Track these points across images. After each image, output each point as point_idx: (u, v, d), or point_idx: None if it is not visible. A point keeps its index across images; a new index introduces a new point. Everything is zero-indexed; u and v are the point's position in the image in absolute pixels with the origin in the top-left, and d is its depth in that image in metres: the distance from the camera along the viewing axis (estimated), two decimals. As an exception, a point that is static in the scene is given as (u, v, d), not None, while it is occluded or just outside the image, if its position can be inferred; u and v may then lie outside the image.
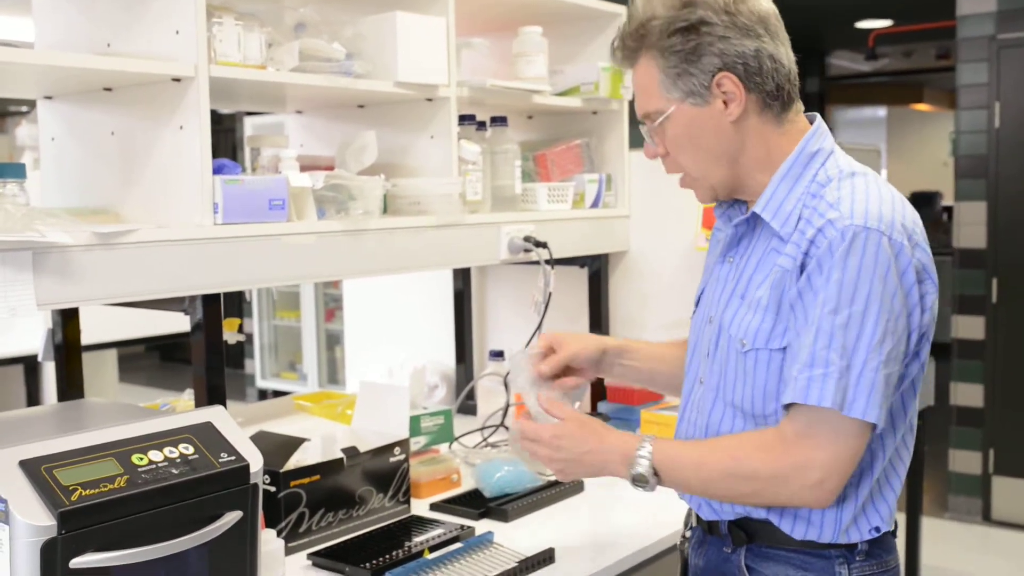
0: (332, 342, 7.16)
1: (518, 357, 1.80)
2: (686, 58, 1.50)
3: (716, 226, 1.72)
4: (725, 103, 1.51)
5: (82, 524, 1.28)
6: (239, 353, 7.99)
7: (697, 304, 1.72)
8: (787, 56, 1.53)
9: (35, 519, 1.25)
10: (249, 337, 7.63)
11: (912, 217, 1.50)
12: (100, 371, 5.06)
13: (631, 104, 2.82)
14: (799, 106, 1.58)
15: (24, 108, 7.91)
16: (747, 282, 1.55)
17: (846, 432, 1.42)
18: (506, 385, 2.68)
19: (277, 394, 6.97)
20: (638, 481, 1.54)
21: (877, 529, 1.54)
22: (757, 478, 1.47)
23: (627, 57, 1.59)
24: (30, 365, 4.57)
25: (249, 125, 6.95)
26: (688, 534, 1.72)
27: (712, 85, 1.50)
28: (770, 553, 1.55)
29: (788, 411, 1.46)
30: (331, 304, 7.17)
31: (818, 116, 1.60)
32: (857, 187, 1.48)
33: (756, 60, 1.49)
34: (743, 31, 1.49)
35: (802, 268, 1.45)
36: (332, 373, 7.21)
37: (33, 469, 1.30)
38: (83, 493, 1.29)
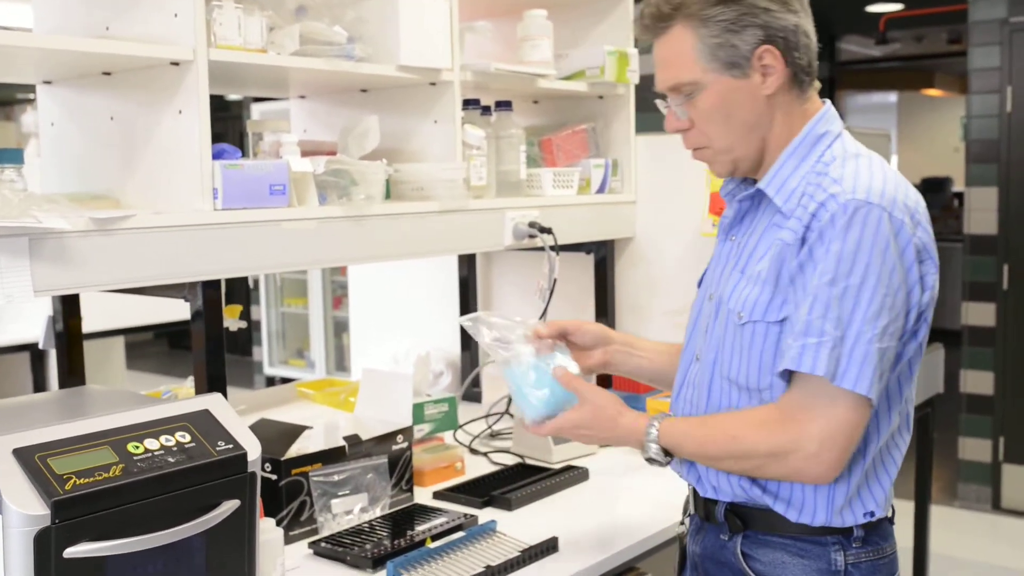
0: (340, 329, 7.15)
1: (514, 327, 1.74)
2: (728, 28, 1.50)
3: (725, 212, 1.73)
4: (763, 76, 1.51)
5: (76, 513, 1.26)
6: (247, 340, 7.99)
7: (699, 285, 1.73)
8: (814, 33, 1.55)
9: (28, 508, 1.23)
10: (257, 324, 7.63)
11: (915, 198, 1.50)
12: (108, 358, 5.06)
13: (638, 88, 2.80)
14: (817, 84, 1.59)
15: (32, 96, 7.91)
16: (748, 257, 1.56)
17: (841, 404, 1.43)
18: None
19: (285, 381, 6.97)
20: (651, 462, 1.60)
21: (872, 514, 1.53)
22: (756, 455, 1.48)
23: (658, 25, 1.55)
24: (37, 352, 4.57)
25: (256, 111, 6.94)
26: (686, 522, 1.72)
27: (753, 57, 1.50)
28: (767, 540, 1.55)
29: (787, 385, 1.47)
30: (338, 291, 7.16)
31: (828, 101, 1.61)
32: (861, 166, 1.49)
33: (795, 35, 1.50)
34: (784, 5, 1.50)
35: (803, 241, 1.47)
36: (340, 360, 7.20)
37: (27, 458, 1.28)
38: (77, 482, 1.28)
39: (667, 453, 1.59)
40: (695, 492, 1.65)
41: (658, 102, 1.61)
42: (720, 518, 1.59)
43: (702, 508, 1.63)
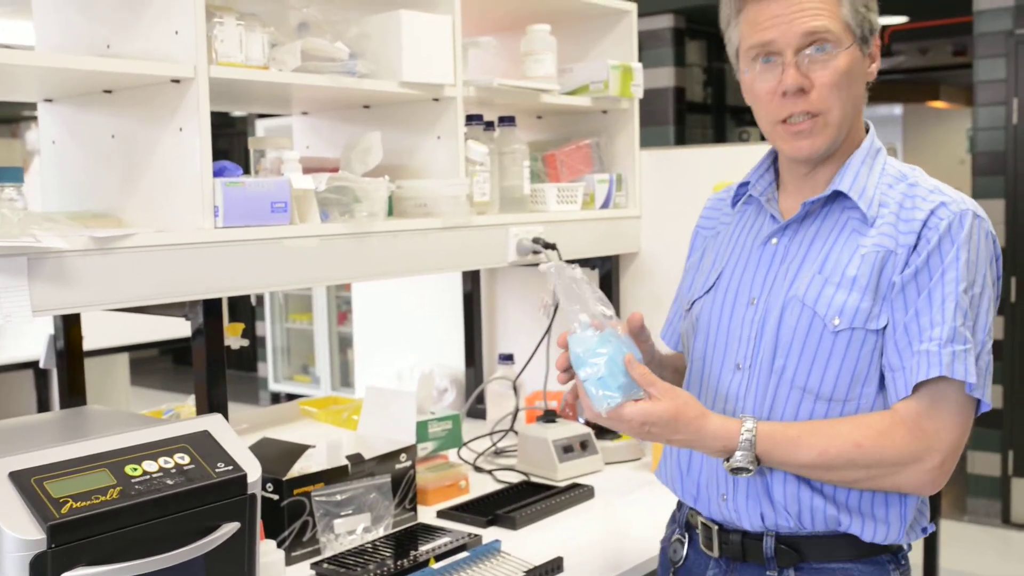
0: (344, 345, 7.14)
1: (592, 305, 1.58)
2: (867, 4, 1.51)
3: (708, 216, 1.77)
4: (871, 61, 1.54)
5: (73, 538, 1.25)
6: (252, 356, 7.97)
7: (710, 289, 1.62)
8: None
9: (24, 533, 1.21)
10: (261, 340, 7.62)
11: None
12: (111, 375, 5.05)
13: (642, 103, 2.79)
14: None
15: (37, 113, 7.90)
16: (823, 261, 1.50)
17: (966, 413, 1.44)
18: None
19: (290, 397, 6.96)
20: (737, 472, 1.45)
21: (925, 529, 1.53)
22: (880, 465, 1.43)
23: None
24: (40, 370, 4.56)
25: (260, 127, 6.94)
26: (679, 564, 1.64)
27: (873, 39, 1.52)
28: (824, 568, 1.50)
29: (912, 392, 1.42)
30: (343, 307, 7.15)
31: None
32: (938, 181, 1.54)
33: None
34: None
35: (914, 248, 1.45)
36: (345, 376, 7.19)
37: (23, 481, 1.26)
38: (74, 505, 1.26)
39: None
40: (720, 530, 1.55)
41: (760, 60, 1.50)
42: (769, 552, 1.51)
43: (736, 547, 1.53)
